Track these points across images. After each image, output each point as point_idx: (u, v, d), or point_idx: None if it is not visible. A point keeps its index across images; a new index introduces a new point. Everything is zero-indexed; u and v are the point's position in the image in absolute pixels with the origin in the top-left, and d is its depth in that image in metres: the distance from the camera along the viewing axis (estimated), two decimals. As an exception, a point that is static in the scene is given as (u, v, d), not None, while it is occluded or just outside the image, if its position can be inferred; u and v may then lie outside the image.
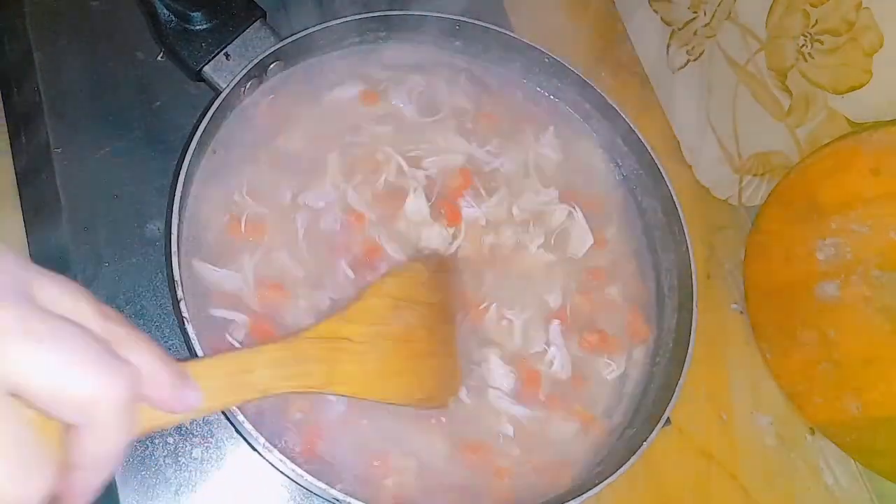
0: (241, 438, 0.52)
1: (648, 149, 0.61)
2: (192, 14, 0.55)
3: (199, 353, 0.45)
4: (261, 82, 0.56)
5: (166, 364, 0.29)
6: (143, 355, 0.28)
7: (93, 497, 0.27)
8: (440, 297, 0.52)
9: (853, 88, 0.60)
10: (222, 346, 0.48)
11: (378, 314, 0.46)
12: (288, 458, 0.44)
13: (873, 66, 0.58)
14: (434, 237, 0.55)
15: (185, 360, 0.32)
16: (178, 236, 0.48)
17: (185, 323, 0.45)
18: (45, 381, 0.23)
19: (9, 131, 0.61)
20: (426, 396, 0.49)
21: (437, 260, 0.54)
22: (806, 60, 0.63)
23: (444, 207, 0.57)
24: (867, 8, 0.57)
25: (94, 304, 0.27)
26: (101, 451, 0.26)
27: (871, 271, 0.59)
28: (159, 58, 0.62)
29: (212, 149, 0.54)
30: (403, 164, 0.57)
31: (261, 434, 0.44)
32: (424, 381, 0.49)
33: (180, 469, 0.51)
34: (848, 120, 0.61)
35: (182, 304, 0.45)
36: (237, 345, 0.48)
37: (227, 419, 0.52)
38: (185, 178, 0.49)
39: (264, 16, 0.57)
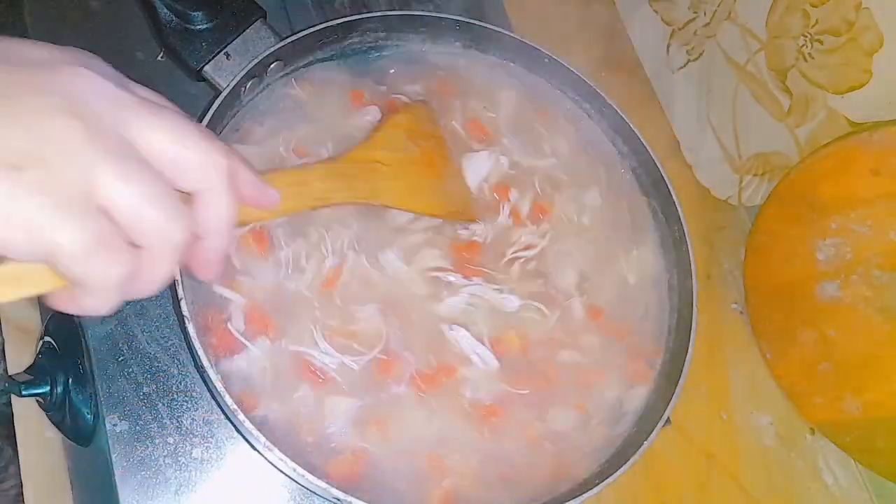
0: (241, 438, 0.52)
1: (648, 149, 0.61)
2: (193, 14, 0.55)
3: (200, 353, 0.45)
4: (261, 82, 0.56)
5: (251, 165, 0.33)
6: (234, 156, 0.32)
7: (215, 266, 0.32)
8: (439, 133, 0.58)
9: (853, 88, 0.60)
10: (220, 331, 0.48)
11: (398, 142, 0.53)
12: (288, 457, 0.44)
13: (873, 65, 0.58)
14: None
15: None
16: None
17: (186, 323, 0.45)
18: (169, 149, 0.28)
19: (9, 131, 0.61)
20: (449, 210, 0.55)
21: (424, 104, 0.60)
22: (806, 60, 0.63)
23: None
24: (867, 8, 0.57)
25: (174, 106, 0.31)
26: (218, 214, 0.30)
27: (871, 271, 0.59)
28: (159, 57, 0.62)
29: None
30: None
31: (262, 433, 0.44)
32: (451, 197, 0.56)
33: (180, 469, 0.51)
34: (848, 120, 0.61)
35: (182, 304, 0.45)
36: (237, 335, 0.49)
37: (228, 419, 0.52)
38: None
39: (265, 15, 0.57)
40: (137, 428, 0.51)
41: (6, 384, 0.53)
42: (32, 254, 0.26)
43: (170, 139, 0.28)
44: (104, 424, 0.50)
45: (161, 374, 0.52)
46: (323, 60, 0.59)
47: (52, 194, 0.25)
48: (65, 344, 0.54)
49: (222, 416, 0.52)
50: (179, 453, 0.51)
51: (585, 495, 0.49)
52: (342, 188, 0.47)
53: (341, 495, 0.44)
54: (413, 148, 0.53)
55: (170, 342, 0.54)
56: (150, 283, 0.29)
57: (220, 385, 0.44)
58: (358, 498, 0.44)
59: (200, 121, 0.51)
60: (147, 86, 0.63)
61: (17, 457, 0.60)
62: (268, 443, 0.44)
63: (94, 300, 0.28)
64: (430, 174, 0.54)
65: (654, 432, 0.51)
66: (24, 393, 0.53)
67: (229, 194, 0.30)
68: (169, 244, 0.28)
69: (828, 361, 0.64)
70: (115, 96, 0.27)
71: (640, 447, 0.50)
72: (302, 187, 0.43)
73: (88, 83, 0.27)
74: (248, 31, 0.56)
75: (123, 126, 0.27)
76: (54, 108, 0.26)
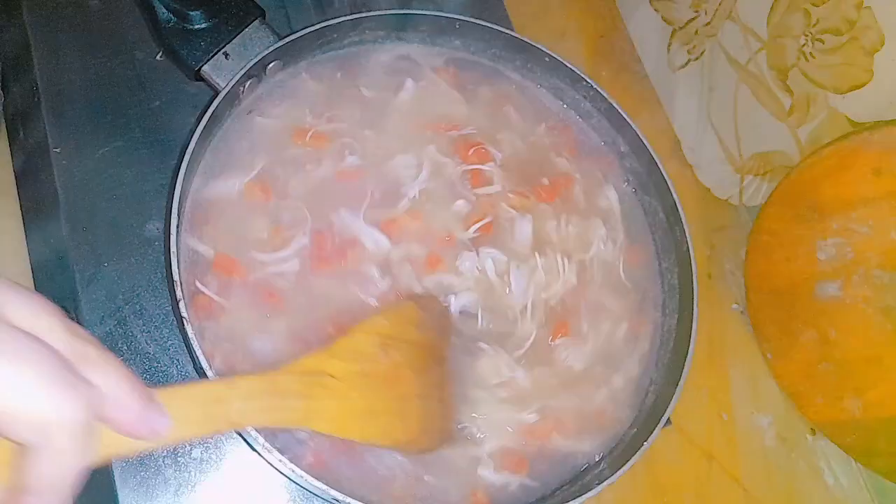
0: (240, 439, 0.52)
1: (649, 148, 0.61)
2: (191, 13, 0.55)
3: (199, 353, 0.45)
4: (260, 81, 0.56)
5: (134, 386, 0.28)
6: (110, 376, 0.27)
7: None
8: (430, 338, 0.50)
9: (854, 88, 0.60)
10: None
11: (364, 352, 0.44)
12: (287, 458, 0.44)
13: (874, 65, 0.57)
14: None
15: (158, 386, 0.30)
16: (177, 235, 0.48)
17: (185, 323, 0.45)
18: (0, 397, 0.23)
19: (7, 131, 0.61)
20: (410, 440, 0.47)
21: (428, 300, 0.53)
22: (807, 60, 0.63)
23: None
24: (868, 7, 0.57)
25: (63, 322, 0.26)
26: (56, 476, 0.24)
27: (872, 271, 0.59)
28: (158, 57, 0.62)
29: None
30: None
31: (260, 434, 0.44)
32: (409, 423, 0.46)
33: (180, 469, 0.51)
34: (849, 119, 0.61)
35: (182, 304, 0.45)
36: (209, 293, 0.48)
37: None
38: (184, 178, 0.49)
39: (263, 15, 0.57)
40: (136, 428, 0.51)
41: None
42: None
43: (7, 383, 0.23)
44: (103, 425, 0.50)
45: (160, 374, 0.52)
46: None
47: None
48: (64, 344, 0.54)
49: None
50: (179, 454, 0.51)
51: (586, 495, 0.49)
52: (270, 408, 0.38)
53: (339, 496, 0.44)
54: (380, 359, 0.45)
55: (169, 343, 0.54)
56: None
57: (219, 386, 0.44)
58: (356, 498, 0.44)
59: (199, 120, 0.51)
60: (146, 85, 0.63)
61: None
62: (267, 444, 0.44)
63: None
64: (390, 393, 0.45)
65: (655, 432, 0.51)
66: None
67: (73, 454, 0.24)
68: None
69: (828, 362, 0.64)
70: None
71: (640, 447, 0.50)
72: (217, 406, 0.34)
73: None
74: (246, 30, 0.56)
75: None
76: None
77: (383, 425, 0.45)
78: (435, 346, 0.50)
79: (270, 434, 0.45)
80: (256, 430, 0.44)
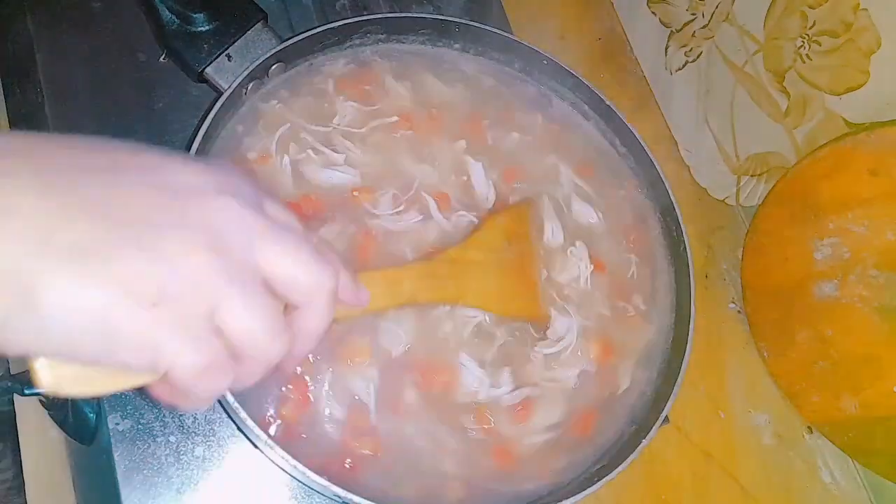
0: (242, 436, 0.52)
1: (646, 149, 0.61)
2: (194, 15, 0.55)
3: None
4: (262, 84, 0.57)
5: (346, 266, 0.36)
6: (331, 255, 0.35)
7: (300, 361, 0.36)
8: (534, 235, 0.58)
9: (851, 89, 0.60)
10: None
11: (494, 243, 0.54)
12: (290, 455, 0.44)
13: (871, 67, 0.58)
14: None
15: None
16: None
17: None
18: (284, 270, 0.31)
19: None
20: (541, 316, 0.56)
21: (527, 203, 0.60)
22: (804, 62, 0.63)
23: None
24: (865, 9, 0.57)
25: (298, 219, 0.34)
26: (313, 326, 0.33)
27: (868, 271, 0.60)
28: (161, 59, 0.62)
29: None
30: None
31: (263, 431, 0.44)
32: (534, 300, 0.56)
33: (182, 467, 0.51)
34: (845, 121, 0.61)
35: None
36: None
37: (229, 417, 0.52)
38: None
39: (266, 17, 0.57)
40: (140, 426, 0.51)
41: (9, 383, 0.53)
42: (149, 370, 0.28)
43: (288, 263, 0.31)
44: (106, 423, 0.51)
45: (163, 373, 0.53)
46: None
47: (181, 326, 0.28)
48: (67, 343, 0.54)
49: (224, 415, 0.53)
50: (181, 452, 0.51)
51: (584, 493, 0.49)
52: (432, 287, 0.49)
53: (342, 493, 0.44)
54: (509, 250, 0.55)
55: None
56: (239, 386, 0.32)
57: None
58: (359, 495, 0.45)
59: (202, 122, 0.51)
60: (149, 87, 0.63)
61: (13, 453, 0.60)
62: (269, 441, 0.44)
63: (191, 405, 0.32)
64: (521, 278, 0.55)
65: (653, 431, 0.51)
66: (26, 392, 0.53)
67: (328, 312, 0.33)
68: (268, 361, 0.31)
69: (825, 361, 0.64)
70: (251, 225, 0.30)
71: (638, 446, 0.51)
72: (393, 286, 0.45)
73: (229, 216, 0.30)
74: (249, 32, 0.56)
75: (251, 251, 0.30)
76: (194, 245, 0.28)
77: (512, 302, 0.54)
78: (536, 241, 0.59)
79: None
80: (259, 429, 0.44)
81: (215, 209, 0.29)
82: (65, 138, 0.29)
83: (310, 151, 0.56)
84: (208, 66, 0.55)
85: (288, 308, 0.32)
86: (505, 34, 0.62)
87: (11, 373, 0.57)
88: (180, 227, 0.28)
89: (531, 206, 0.59)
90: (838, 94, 0.61)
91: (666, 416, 0.52)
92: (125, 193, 0.28)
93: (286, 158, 0.55)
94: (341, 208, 0.54)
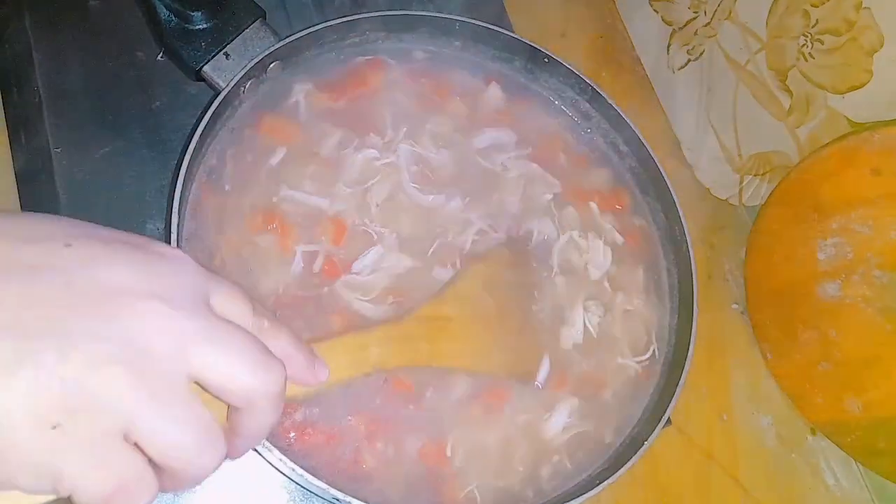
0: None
1: (648, 149, 0.61)
2: (192, 14, 0.55)
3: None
4: (260, 82, 0.56)
5: (301, 347, 0.35)
6: (283, 341, 0.34)
7: (244, 453, 0.33)
8: (522, 279, 0.55)
9: (854, 88, 0.60)
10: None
11: (469, 295, 0.50)
12: (288, 457, 0.44)
13: (874, 65, 0.57)
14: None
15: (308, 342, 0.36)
16: (178, 236, 0.48)
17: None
18: (219, 376, 0.29)
19: (8, 131, 0.61)
20: (526, 371, 0.52)
21: (516, 242, 0.57)
22: (806, 60, 0.63)
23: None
24: (867, 8, 0.57)
25: (249, 304, 0.32)
26: (257, 428, 0.31)
27: (872, 271, 0.59)
28: (159, 57, 0.62)
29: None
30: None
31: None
32: (523, 355, 0.52)
33: (180, 469, 0.51)
34: (848, 120, 0.61)
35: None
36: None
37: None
38: (184, 178, 0.49)
39: (264, 15, 0.57)
40: (137, 428, 0.51)
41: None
42: (50, 493, 0.27)
43: (222, 367, 0.29)
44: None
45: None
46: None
47: (86, 447, 0.26)
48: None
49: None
50: (179, 454, 0.51)
51: (586, 495, 0.49)
52: (402, 351, 0.45)
53: (340, 495, 0.44)
54: (487, 300, 0.51)
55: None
56: (177, 489, 0.31)
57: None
58: (358, 498, 0.44)
59: (200, 120, 0.51)
60: (147, 85, 0.63)
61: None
62: (267, 443, 0.44)
63: None
64: (501, 330, 0.51)
65: (655, 433, 0.51)
66: None
67: (272, 413, 0.31)
68: (202, 469, 0.29)
69: (828, 362, 0.64)
70: (182, 329, 0.28)
71: (640, 447, 0.50)
72: (358, 354, 0.42)
73: (157, 323, 0.28)
74: (247, 31, 0.56)
75: (181, 358, 0.28)
76: (107, 357, 0.26)
77: (496, 357, 0.50)
78: (526, 284, 0.55)
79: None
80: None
81: (141, 314, 0.28)
82: (8, 219, 0.28)
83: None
84: (206, 64, 0.55)
85: (230, 408, 0.31)
86: (506, 32, 0.62)
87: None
88: (95, 337, 0.26)
89: (515, 249, 0.55)
90: (841, 93, 0.61)
91: (668, 418, 0.52)
92: (44, 298, 0.26)
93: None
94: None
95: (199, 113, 0.52)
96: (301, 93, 0.57)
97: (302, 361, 0.35)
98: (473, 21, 0.61)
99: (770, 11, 0.65)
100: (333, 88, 0.58)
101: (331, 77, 0.59)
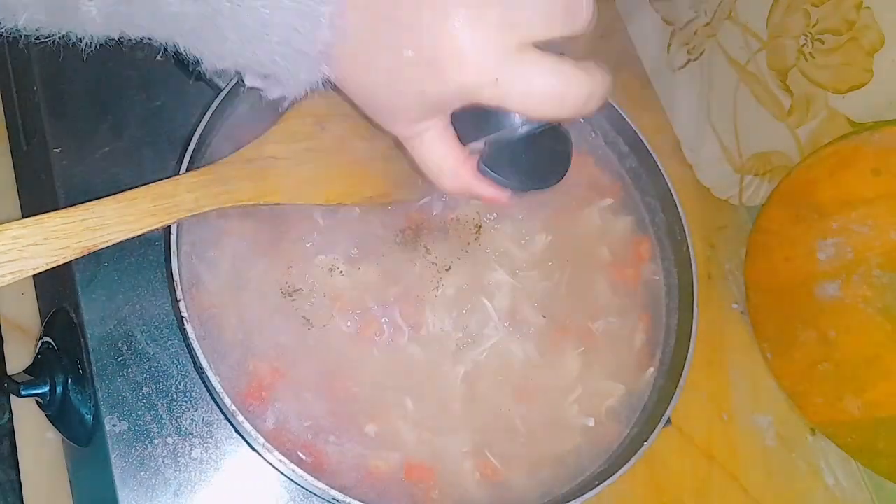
0: (240, 439, 0.52)
1: (648, 148, 0.60)
2: (192, 13, 0.55)
3: (199, 353, 0.45)
4: (260, 82, 0.56)
5: None
6: None
7: None
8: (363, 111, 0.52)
9: (854, 88, 0.60)
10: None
11: (300, 132, 0.46)
12: (288, 458, 0.44)
13: (874, 65, 0.57)
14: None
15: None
16: (177, 236, 0.48)
17: (185, 323, 0.45)
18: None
19: (7, 131, 0.61)
20: (381, 193, 0.49)
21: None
22: (807, 60, 0.63)
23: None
24: (868, 7, 0.57)
25: None
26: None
27: (872, 271, 0.59)
28: (159, 57, 0.61)
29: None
30: None
31: (260, 434, 0.44)
32: (375, 181, 0.49)
33: (179, 470, 0.51)
34: (849, 119, 0.61)
35: (181, 304, 0.45)
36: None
37: (227, 420, 0.52)
38: (184, 178, 0.49)
39: (264, 15, 0.57)
40: (137, 428, 0.51)
41: (5, 384, 0.53)
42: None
43: None
44: (103, 425, 0.50)
45: (160, 374, 0.52)
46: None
47: None
48: (64, 344, 0.54)
49: (222, 417, 0.52)
50: (179, 454, 0.51)
51: (586, 496, 0.49)
52: (218, 193, 0.42)
53: (340, 496, 0.44)
54: (321, 134, 0.47)
55: (169, 343, 0.54)
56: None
57: (220, 386, 0.44)
58: (356, 499, 0.44)
59: (200, 120, 0.51)
60: (147, 85, 0.63)
61: (10, 454, 0.60)
62: (267, 444, 0.44)
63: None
64: (343, 160, 0.48)
65: (655, 433, 0.51)
66: (23, 393, 0.53)
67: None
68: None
69: (828, 362, 0.64)
70: None
71: (640, 447, 0.50)
72: (168, 200, 0.40)
73: None
74: (247, 30, 0.56)
75: None
76: None
77: (344, 186, 0.47)
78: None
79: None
80: (256, 431, 0.44)
81: None
82: None
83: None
84: (206, 63, 0.55)
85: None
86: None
87: (8, 373, 0.57)
88: None
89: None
90: (841, 93, 0.61)
91: (668, 418, 0.52)
92: None
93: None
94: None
95: (200, 112, 0.52)
96: (301, 92, 0.57)
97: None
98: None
99: (770, 11, 0.65)
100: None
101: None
